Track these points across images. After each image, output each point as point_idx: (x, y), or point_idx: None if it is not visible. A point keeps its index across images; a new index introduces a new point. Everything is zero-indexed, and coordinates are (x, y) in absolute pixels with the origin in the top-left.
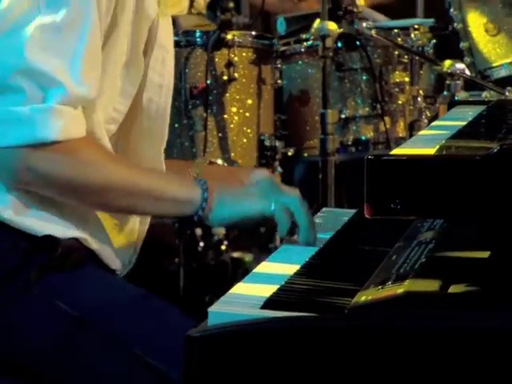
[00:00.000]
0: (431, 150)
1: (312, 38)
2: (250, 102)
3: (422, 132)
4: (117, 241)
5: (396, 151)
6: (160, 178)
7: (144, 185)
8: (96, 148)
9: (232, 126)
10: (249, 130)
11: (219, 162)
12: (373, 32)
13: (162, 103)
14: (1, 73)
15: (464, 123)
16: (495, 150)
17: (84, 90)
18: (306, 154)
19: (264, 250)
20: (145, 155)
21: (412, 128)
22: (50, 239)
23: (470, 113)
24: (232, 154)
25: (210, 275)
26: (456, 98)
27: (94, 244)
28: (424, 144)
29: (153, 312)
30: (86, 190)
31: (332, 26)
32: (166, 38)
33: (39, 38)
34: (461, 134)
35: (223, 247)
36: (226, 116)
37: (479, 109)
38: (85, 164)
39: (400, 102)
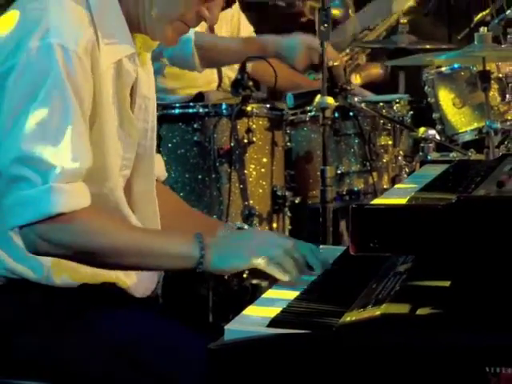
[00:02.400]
0: (403, 201)
1: (314, 109)
2: (265, 160)
3: (397, 186)
4: (142, 274)
5: (375, 201)
6: (161, 237)
7: (147, 245)
8: (101, 216)
9: (251, 179)
10: (264, 183)
11: (246, 227)
12: (363, 105)
13: (149, 145)
14: (5, 167)
15: (431, 179)
16: (453, 201)
17: (75, 167)
18: (309, 202)
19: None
20: (140, 194)
21: (394, 181)
22: (86, 287)
23: (436, 170)
24: (251, 202)
25: (234, 298)
26: (429, 157)
27: (122, 284)
28: (398, 195)
29: (173, 337)
30: (94, 254)
31: (330, 100)
32: (146, 87)
33: (31, 132)
34: (428, 187)
35: (245, 275)
36: (246, 171)
37: (444, 167)
38: (92, 231)
39: (385, 160)
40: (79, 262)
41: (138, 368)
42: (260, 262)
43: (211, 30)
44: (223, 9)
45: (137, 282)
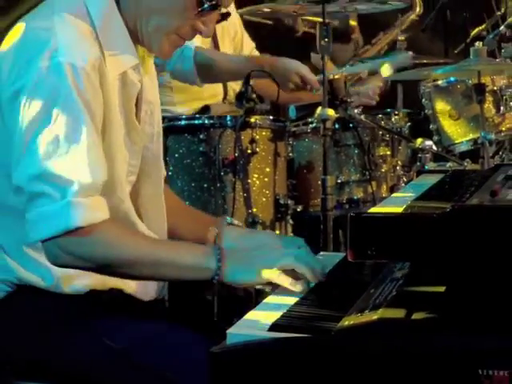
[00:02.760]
0: (399, 209)
1: (315, 121)
2: (268, 170)
3: (394, 194)
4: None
5: (372, 210)
6: (180, 248)
7: (166, 256)
8: (119, 228)
9: (254, 188)
10: (267, 192)
11: (235, 222)
12: (362, 117)
13: (155, 148)
14: (26, 183)
15: (427, 188)
16: (448, 210)
17: (91, 181)
18: (311, 210)
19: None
20: (147, 196)
21: (392, 190)
22: (93, 293)
23: (433, 180)
24: (254, 210)
25: (238, 302)
26: (426, 167)
27: (129, 289)
28: (394, 204)
29: (176, 341)
30: (114, 265)
31: (330, 112)
32: (150, 93)
33: (47, 149)
34: (423, 196)
35: None
36: (249, 181)
37: (440, 176)
38: (111, 243)
39: (383, 170)
40: (101, 274)
41: (140, 371)
42: (273, 276)
43: (216, 45)
44: (218, 22)
45: (143, 287)
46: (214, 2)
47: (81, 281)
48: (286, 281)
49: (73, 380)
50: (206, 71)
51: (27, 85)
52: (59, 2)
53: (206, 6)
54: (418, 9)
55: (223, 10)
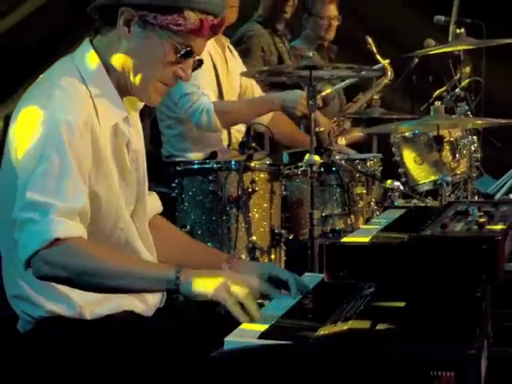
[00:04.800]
0: (367, 239)
1: (304, 165)
2: (265, 205)
3: (363, 226)
4: (151, 297)
5: (344, 239)
6: (146, 263)
7: (132, 268)
8: (93, 243)
9: (254, 220)
10: (265, 223)
11: (243, 256)
12: (343, 162)
13: (142, 190)
14: (16, 215)
15: (391, 221)
16: (405, 239)
17: (70, 204)
18: (301, 238)
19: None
20: (138, 229)
21: (368, 222)
22: (110, 317)
23: (396, 214)
24: (254, 238)
25: None
26: (395, 203)
27: (138, 309)
28: (363, 235)
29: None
30: (86, 275)
31: (317, 158)
32: (136, 142)
33: (35, 184)
34: (387, 228)
35: None
36: (250, 214)
37: (403, 211)
38: (84, 253)
39: (360, 205)
40: (76, 285)
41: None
42: (220, 300)
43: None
44: (194, 69)
45: (146, 306)
46: (188, 49)
47: (100, 307)
48: (235, 311)
49: None
50: (225, 117)
51: (30, 136)
52: (56, 72)
53: (182, 52)
54: (389, 74)
55: (197, 58)
